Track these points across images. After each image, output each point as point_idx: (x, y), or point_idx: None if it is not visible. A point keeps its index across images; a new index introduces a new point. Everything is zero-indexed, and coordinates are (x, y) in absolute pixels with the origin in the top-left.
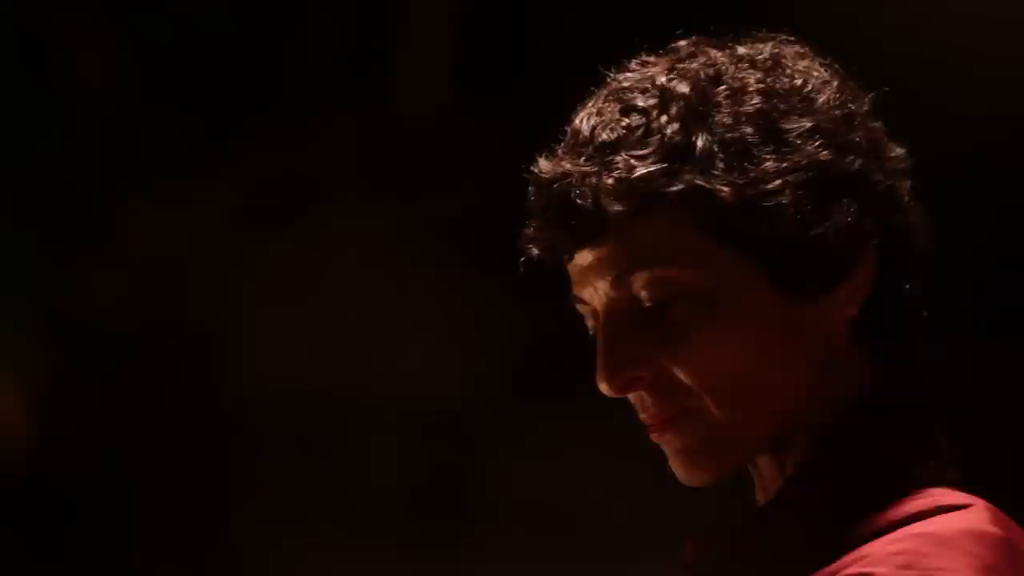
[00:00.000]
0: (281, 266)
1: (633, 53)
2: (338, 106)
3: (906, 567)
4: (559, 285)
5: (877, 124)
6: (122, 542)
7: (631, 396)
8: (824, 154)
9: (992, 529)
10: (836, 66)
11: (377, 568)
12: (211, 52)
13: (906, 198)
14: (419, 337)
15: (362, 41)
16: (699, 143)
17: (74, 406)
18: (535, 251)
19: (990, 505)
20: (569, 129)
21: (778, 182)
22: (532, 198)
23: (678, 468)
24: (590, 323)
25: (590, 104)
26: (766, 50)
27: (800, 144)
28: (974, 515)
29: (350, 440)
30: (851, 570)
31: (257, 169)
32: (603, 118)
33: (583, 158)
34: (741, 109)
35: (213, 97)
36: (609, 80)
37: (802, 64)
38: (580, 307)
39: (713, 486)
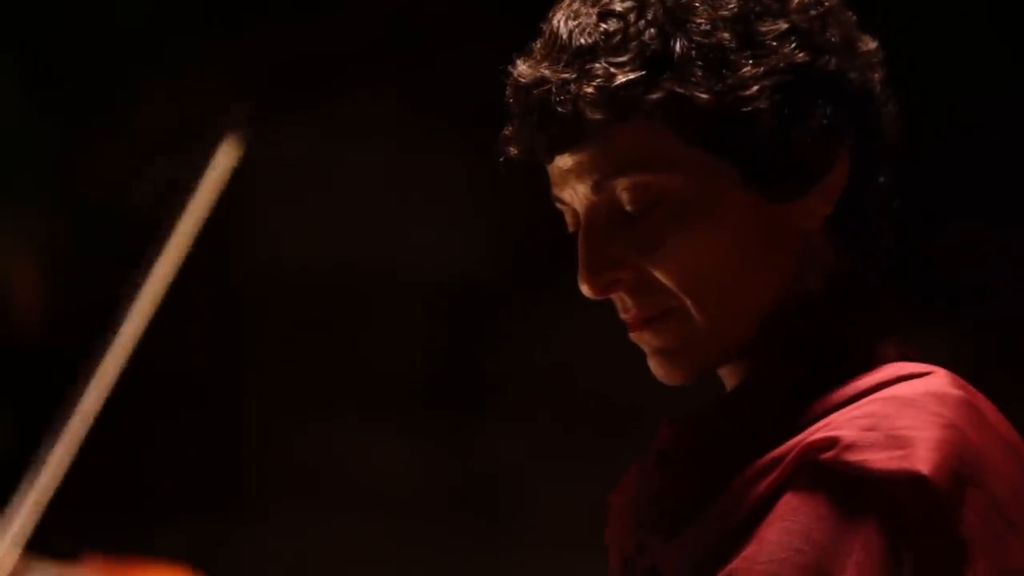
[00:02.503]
0: (293, 144)
1: None
2: None
3: (870, 429)
4: None
5: (850, 16)
6: (135, 420)
7: (612, 296)
8: (800, 56)
9: (953, 391)
10: None
11: (390, 443)
12: None
13: (879, 91)
14: (436, 212)
15: None
16: (677, 49)
17: (88, 283)
18: (514, 151)
19: (950, 372)
20: (546, 30)
21: (755, 87)
22: (511, 100)
23: (656, 367)
24: (570, 221)
25: (567, 4)
26: None
27: (776, 46)
28: (935, 380)
29: (365, 315)
30: (816, 436)
31: (271, 46)
32: (580, 22)
33: (561, 64)
34: (717, 13)
35: None
36: None
37: None
38: (560, 206)
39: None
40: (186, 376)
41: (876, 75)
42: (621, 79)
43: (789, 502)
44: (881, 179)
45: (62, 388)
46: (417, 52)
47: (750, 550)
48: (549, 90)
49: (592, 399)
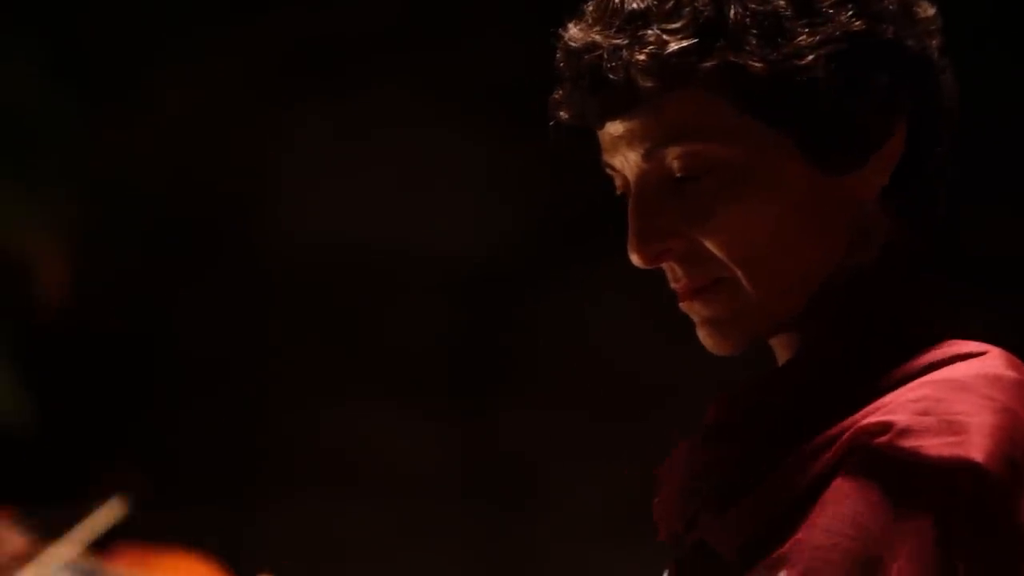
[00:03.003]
0: (317, 124)
1: None
2: None
3: (924, 413)
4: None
5: None
6: (159, 404)
7: (663, 265)
8: (857, 24)
9: (1008, 373)
10: None
11: (413, 426)
12: None
13: (937, 59)
14: (459, 194)
15: None
16: (731, 16)
17: (113, 265)
18: (564, 116)
19: (1005, 351)
20: None
21: (811, 56)
22: (561, 64)
23: (705, 337)
24: (619, 185)
25: None
26: None
27: (833, 14)
28: (989, 361)
29: (388, 298)
30: (870, 419)
31: (293, 27)
32: None
33: (613, 29)
34: None
35: None
36: None
37: None
38: (609, 171)
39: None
40: (209, 360)
41: (934, 42)
42: (674, 47)
43: (841, 487)
44: (938, 149)
45: (86, 368)
46: (439, 35)
47: (801, 534)
48: (601, 56)
49: (614, 381)
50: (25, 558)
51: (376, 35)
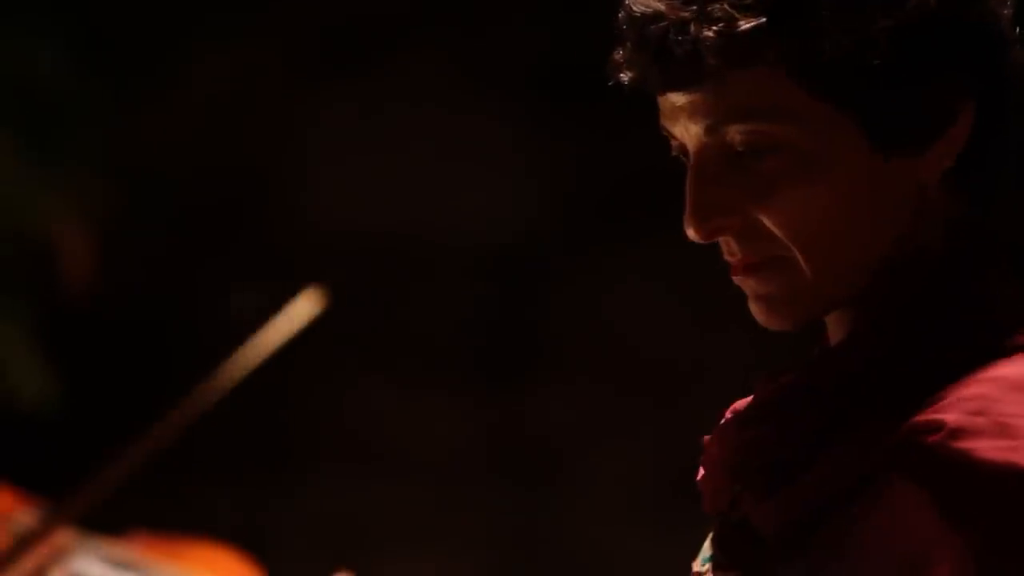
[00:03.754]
0: (344, 107)
1: None
2: None
3: (978, 413)
4: (630, 125)
5: None
6: (186, 388)
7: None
8: (931, 4)
9: None
10: None
11: (442, 406)
12: None
13: (1007, 33)
14: (488, 174)
15: None
16: None
17: (139, 250)
18: (624, 79)
19: None
20: None
21: (884, 38)
22: (624, 27)
23: (759, 313)
24: (675, 147)
25: None
26: None
27: None
28: None
29: (417, 278)
30: (922, 416)
31: (322, 9)
32: None
33: (679, 0)
34: None
35: None
36: None
37: None
38: (667, 134)
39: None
40: (233, 336)
41: (1005, 12)
42: (744, 25)
43: (890, 484)
44: (1007, 128)
45: (111, 352)
46: (469, 16)
47: (847, 531)
48: (667, 28)
49: (644, 362)
50: (59, 550)
51: (406, 16)
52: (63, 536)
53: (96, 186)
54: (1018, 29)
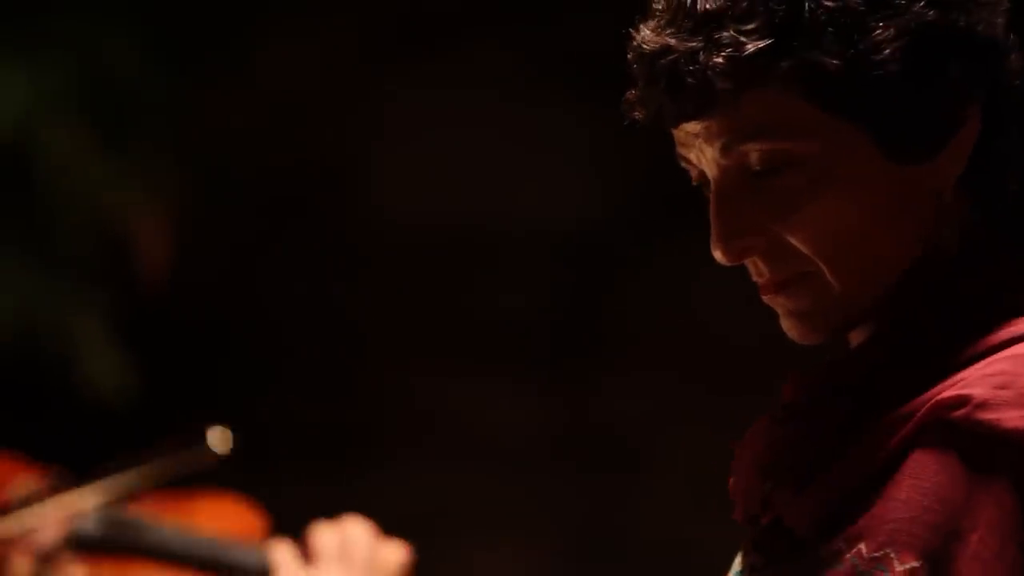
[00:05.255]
0: (415, 96)
1: None
2: None
3: (1002, 387)
4: None
5: None
6: (254, 367)
7: (745, 261)
8: (931, 15)
9: None
10: None
11: (511, 394)
12: None
13: (1005, 39)
14: (559, 163)
15: None
16: (806, 14)
17: (213, 242)
18: (638, 116)
19: None
20: None
21: (887, 51)
22: (634, 66)
23: (790, 328)
24: (695, 176)
25: None
26: None
27: (905, 6)
28: None
29: (486, 266)
30: (947, 393)
31: (387, 3)
32: None
33: (687, 32)
34: None
35: None
36: None
37: None
38: (684, 164)
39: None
40: (304, 327)
41: (1001, 21)
42: (751, 48)
43: (919, 460)
44: (1011, 130)
45: (191, 345)
46: (540, 6)
47: (879, 508)
48: (676, 60)
49: (716, 351)
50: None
51: (477, 6)
52: (67, 497)
53: (171, 179)
54: (1012, 36)
